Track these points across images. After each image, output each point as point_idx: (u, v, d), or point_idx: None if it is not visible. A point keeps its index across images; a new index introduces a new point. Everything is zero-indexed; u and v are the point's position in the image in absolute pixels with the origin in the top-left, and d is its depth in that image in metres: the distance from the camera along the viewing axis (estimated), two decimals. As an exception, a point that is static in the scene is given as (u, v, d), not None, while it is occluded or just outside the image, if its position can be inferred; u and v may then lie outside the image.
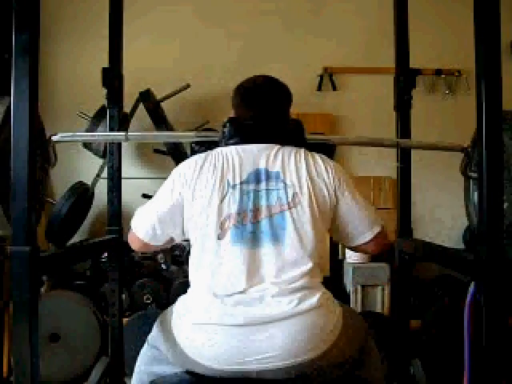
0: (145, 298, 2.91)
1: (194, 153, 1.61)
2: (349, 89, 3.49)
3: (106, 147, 2.45)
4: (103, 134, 1.99)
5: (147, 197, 3.16)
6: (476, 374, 1.29)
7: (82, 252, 1.84)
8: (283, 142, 1.44)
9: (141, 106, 2.99)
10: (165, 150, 2.98)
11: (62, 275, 3.03)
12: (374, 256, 2.92)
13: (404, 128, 1.95)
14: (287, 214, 1.34)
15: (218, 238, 1.33)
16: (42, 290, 2.91)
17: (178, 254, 3.00)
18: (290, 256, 1.33)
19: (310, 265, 1.34)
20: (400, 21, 1.96)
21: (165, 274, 3.02)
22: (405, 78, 1.93)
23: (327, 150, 1.62)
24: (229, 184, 1.35)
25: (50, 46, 3.31)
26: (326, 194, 1.38)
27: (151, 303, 2.90)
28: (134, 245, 1.53)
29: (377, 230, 1.47)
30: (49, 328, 2.67)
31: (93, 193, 3.01)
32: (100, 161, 3.00)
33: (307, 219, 1.34)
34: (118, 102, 2.00)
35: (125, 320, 2.35)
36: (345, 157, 3.44)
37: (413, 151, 1.98)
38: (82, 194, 2.91)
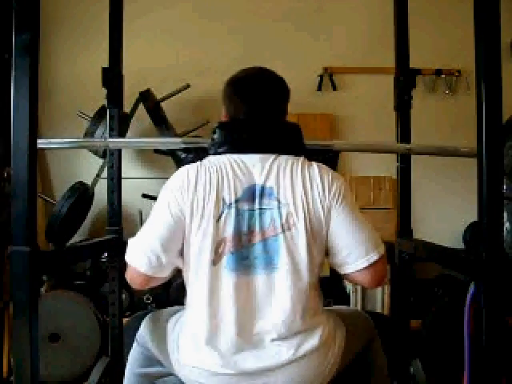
0: (145, 297, 2.91)
1: (180, 161, 1.48)
2: (349, 89, 3.49)
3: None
4: (83, 141, 1.90)
5: (147, 197, 3.16)
6: (476, 373, 1.29)
7: (82, 252, 1.84)
8: (279, 149, 1.32)
9: (141, 106, 2.99)
10: (165, 150, 2.98)
11: (62, 275, 3.03)
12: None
13: (404, 128, 1.95)
14: (281, 237, 1.24)
15: (213, 264, 1.24)
16: (42, 289, 2.91)
17: (178, 254, 3.00)
18: (285, 287, 1.24)
19: (307, 296, 1.26)
20: (400, 21, 1.96)
21: (165, 274, 3.01)
22: (405, 78, 1.93)
23: (330, 156, 1.51)
24: (224, 202, 1.25)
25: (50, 46, 3.31)
26: (321, 214, 1.26)
27: (151, 303, 2.90)
28: (136, 283, 1.31)
29: (374, 257, 1.27)
30: (49, 328, 2.67)
31: (93, 193, 3.01)
32: (100, 161, 3.00)
33: (302, 243, 1.24)
34: (118, 102, 1.99)
35: (125, 320, 2.34)
36: (345, 157, 3.44)
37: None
38: (82, 193, 2.91)
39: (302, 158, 1.33)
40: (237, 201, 1.25)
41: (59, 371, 2.64)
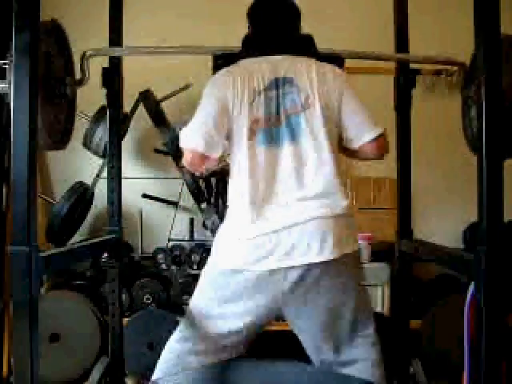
0: (145, 298, 2.91)
1: (217, 67, 1.78)
2: (349, 89, 3.48)
3: (105, 147, 2.45)
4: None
5: (147, 197, 3.16)
6: (476, 373, 1.29)
7: (82, 252, 1.84)
8: (296, 53, 1.61)
9: (141, 106, 2.99)
10: (165, 149, 2.98)
11: (61, 275, 3.03)
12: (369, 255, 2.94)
13: (404, 128, 1.95)
14: (302, 114, 1.52)
15: (249, 139, 1.51)
16: (42, 290, 2.90)
17: (178, 254, 3.00)
18: (311, 157, 1.50)
19: (329, 165, 1.51)
20: (400, 20, 1.97)
21: (165, 273, 3.02)
22: (405, 78, 1.94)
23: (337, 63, 1.77)
24: (255, 91, 1.53)
25: (50, 45, 3.30)
26: (332, 96, 1.54)
27: (151, 303, 2.90)
28: (195, 163, 1.57)
29: (379, 130, 1.58)
30: (49, 328, 2.67)
31: (93, 193, 3.01)
32: (100, 161, 3.00)
33: (319, 119, 1.52)
34: (117, 102, 2.00)
35: (125, 320, 2.35)
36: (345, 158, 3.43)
37: (413, 152, 1.98)
38: (82, 194, 2.91)
39: (314, 59, 1.62)
40: (265, 89, 1.53)
41: (59, 371, 2.64)
